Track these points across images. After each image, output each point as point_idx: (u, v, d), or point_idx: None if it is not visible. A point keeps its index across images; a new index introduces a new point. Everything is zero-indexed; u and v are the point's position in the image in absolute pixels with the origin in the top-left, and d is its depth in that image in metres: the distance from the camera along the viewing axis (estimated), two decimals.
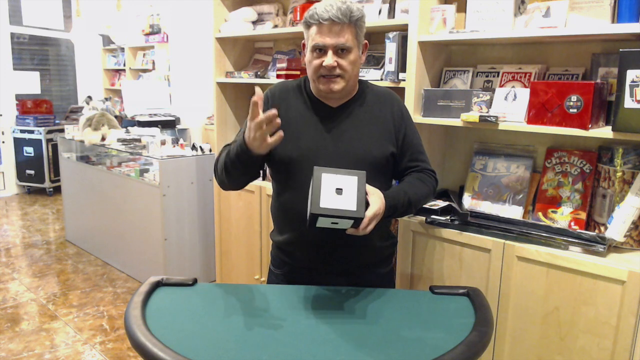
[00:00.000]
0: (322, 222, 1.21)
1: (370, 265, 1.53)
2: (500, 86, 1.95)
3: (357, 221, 1.21)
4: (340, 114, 1.46)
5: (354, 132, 1.44)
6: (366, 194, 1.25)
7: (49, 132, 5.74)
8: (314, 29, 1.36)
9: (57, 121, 5.96)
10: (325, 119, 1.45)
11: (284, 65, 2.49)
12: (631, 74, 1.45)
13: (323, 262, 1.47)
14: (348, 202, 1.19)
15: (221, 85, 2.91)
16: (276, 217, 1.55)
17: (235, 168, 1.37)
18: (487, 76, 2.04)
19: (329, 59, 1.34)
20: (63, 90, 6.70)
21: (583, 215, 1.74)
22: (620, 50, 1.48)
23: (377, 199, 1.28)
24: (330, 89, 1.39)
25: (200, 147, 3.45)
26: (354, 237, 1.29)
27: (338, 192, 1.19)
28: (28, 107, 5.87)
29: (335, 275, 1.49)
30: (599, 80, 1.70)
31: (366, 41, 1.45)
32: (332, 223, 1.21)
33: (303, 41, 1.44)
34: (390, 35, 2.05)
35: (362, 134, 1.44)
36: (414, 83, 1.96)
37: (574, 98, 1.59)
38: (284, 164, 1.44)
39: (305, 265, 1.50)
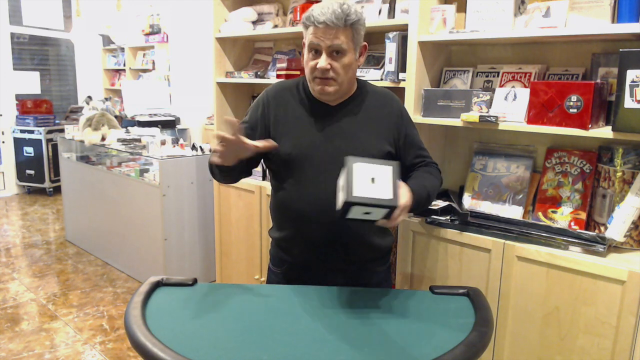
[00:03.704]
0: (354, 213, 1.19)
1: (368, 262, 1.54)
2: (500, 86, 1.95)
3: (392, 210, 1.19)
4: (338, 112, 1.47)
5: (351, 130, 1.46)
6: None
7: (49, 132, 5.74)
8: (310, 29, 1.38)
9: (57, 121, 5.96)
10: (324, 117, 1.46)
11: (284, 65, 2.49)
12: (631, 74, 1.45)
13: (321, 259, 1.48)
14: (383, 191, 1.17)
15: (221, 85, 2.92)
16: (274, 213, 1.56)
17: (222, 173, 1.43)
18: (487, 76, 2.04)
19: (322, 62, 1.36)
20: (63, 90, 6.69)
21: (583, 215, 1.74)
22: (620, 50, 1.48)
23: (406, 192, 1.29)
24: (324, 91, 1.41)
25: (200, 147, 3.45)
26: (351, 234, 1.30)
27: (372, 181, 1.17)
28: (28, 107, 5.87)
29: (334, 272, 1.49)
30: (599, 80, 1.70)
31: (365, 43, 1.45)
32: (365, 213, 1.19)
33: (303, 40, 1.45)
34: (390, 35, 2.05)
35: (359, 132, 1.46)
36: (414, 83, 1.96)
37: (574, 98, 1.59)
38: (282, 161, 1.46)
39: (303, 263, 1.51)
